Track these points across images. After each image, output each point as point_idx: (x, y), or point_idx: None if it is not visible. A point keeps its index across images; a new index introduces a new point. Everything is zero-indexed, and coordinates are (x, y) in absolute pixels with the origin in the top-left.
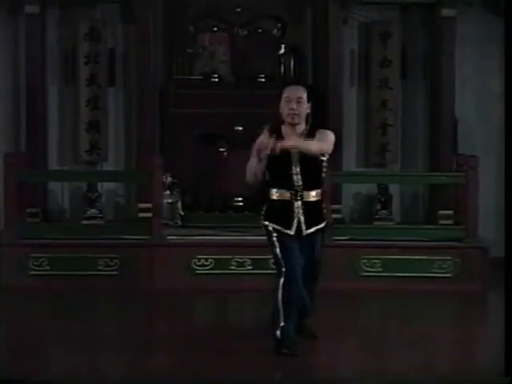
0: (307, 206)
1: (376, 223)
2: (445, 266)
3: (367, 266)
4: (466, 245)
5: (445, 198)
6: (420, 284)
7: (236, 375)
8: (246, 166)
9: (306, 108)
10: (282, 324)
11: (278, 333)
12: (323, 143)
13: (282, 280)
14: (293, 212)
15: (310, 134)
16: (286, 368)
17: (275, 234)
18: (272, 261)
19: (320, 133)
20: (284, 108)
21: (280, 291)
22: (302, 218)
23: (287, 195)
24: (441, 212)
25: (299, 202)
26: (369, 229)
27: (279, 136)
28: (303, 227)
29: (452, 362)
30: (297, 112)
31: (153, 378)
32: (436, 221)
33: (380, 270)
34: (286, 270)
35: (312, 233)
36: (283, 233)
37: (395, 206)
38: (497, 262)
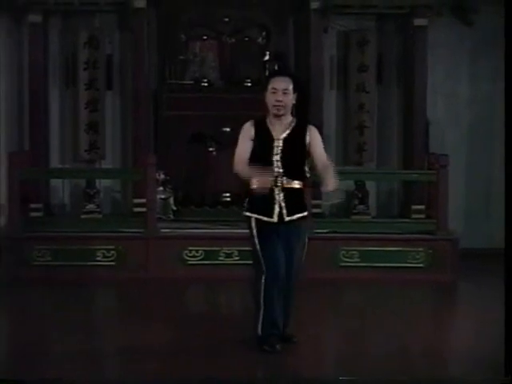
0: (288, 192)
1: (354, 217)
2: (418, 256)
3: (346, 257)
4: (437, 237)
5: (417, 194)
6: (395, 273)
7: (224, 366)
8: (232, 164)
9: (291, 99)
10: (261, 321)
11: (259, 331)
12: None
13: (263, 279)
14: (273, 198)
15: (297, 128)
16: (268, 360)
17: (256, 229)
18: (252, 256)
19: (312, 133)
20: (270, 99)
21: (262, 290)
22: (284, 205)
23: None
24: (414, 207)
25: (279, 188)
26: (347, 222)
27: (264, 128)
28: (284, 213)
29: (428, 347)
30: (283, 103)
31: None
32: (409, 215)
33: (358, 260)
34: (267, 270)
35: (294, 223)
36: (265, 225)
37: (371, 201)
38: (465, 253)
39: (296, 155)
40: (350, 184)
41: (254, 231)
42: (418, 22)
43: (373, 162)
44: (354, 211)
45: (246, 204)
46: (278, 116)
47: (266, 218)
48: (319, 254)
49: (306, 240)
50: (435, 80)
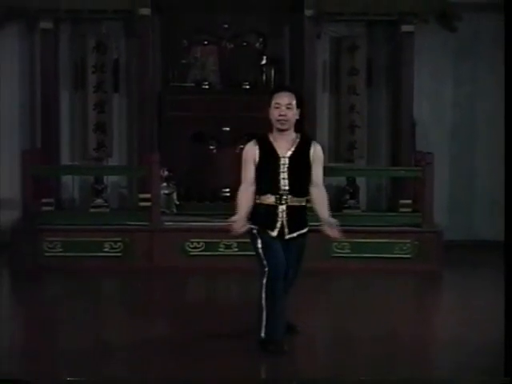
0: (291, 210)
1: (345, 211)
2: (405, 248)
3: (338, 249)
4: (423, 230)
5: (405, 189)
6: (383, 264)
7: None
8: (231, 161)
9: (294, 114)
10: (265, 324)
11: (263, 334)
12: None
13: (264, 280)
14: (276, 216)
15: (301, 145)
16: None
17: (259, 236)
18: (256, 260)
19: (316, 151)
20: (274, 114)
21: (264, 292)
22: (286, 223)
23: (272, 199)
24: (401, 201)
25: (284, 206)
26: (339, 216)
27: (268, 146)
28: (286, 231)
29: (413, 328)
30: (286, 118)
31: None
32: (397, 209)
33: (349, 251)
34: (268, 270)
35: (294, 237)
36: (266, 232)
37: (362, 196)
38: (449, 244)
39: (301, 172)
40: (342, 180)
41: (256, 236)
42: (406, 28)
43: (363, 160)
44: (346, 205)
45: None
46: (281, 131)
47: (266, 230)
48: (312, 246)
49: (305, 249)
50: (421, 82)
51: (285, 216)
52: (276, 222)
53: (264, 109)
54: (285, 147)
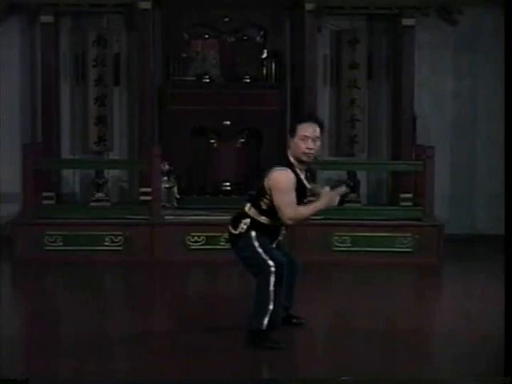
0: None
1: (346, 205)
2: (405, 241)
3: (339, 242)
4: (424, 223)
5: (405, 183)
6: (384, 257)
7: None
8: (232, 155)
9: (319, 145)
10: (269, 315)
11: (264, 326)
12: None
13: (272, 278)
14: (280, 233)
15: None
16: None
17: (256, 239)
18: (253, 263)
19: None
20: (300, 146)
21: (272, 288)
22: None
23: (277, 223)
24: (402, 195)
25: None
26: (340, 210)
27: (297, 175)
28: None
29: (414, 323)
30: (313, 151)
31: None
32: (398, 203)
33: (350, 245)
34: (275, 266)
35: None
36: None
37: (362, 190)
38: (450, 238)
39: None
40: (343, 174)
41: (254, 240)
42: (406, 21)
43: (364, 153)
44: (346, 199)
45: (246, 225)
46: (305, 162)
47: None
48: (314, 239)
49: None
50: (422, 76)
51: (284, 231)
52: (278, 237)
53: (264, 102)
54: (304, 178)
